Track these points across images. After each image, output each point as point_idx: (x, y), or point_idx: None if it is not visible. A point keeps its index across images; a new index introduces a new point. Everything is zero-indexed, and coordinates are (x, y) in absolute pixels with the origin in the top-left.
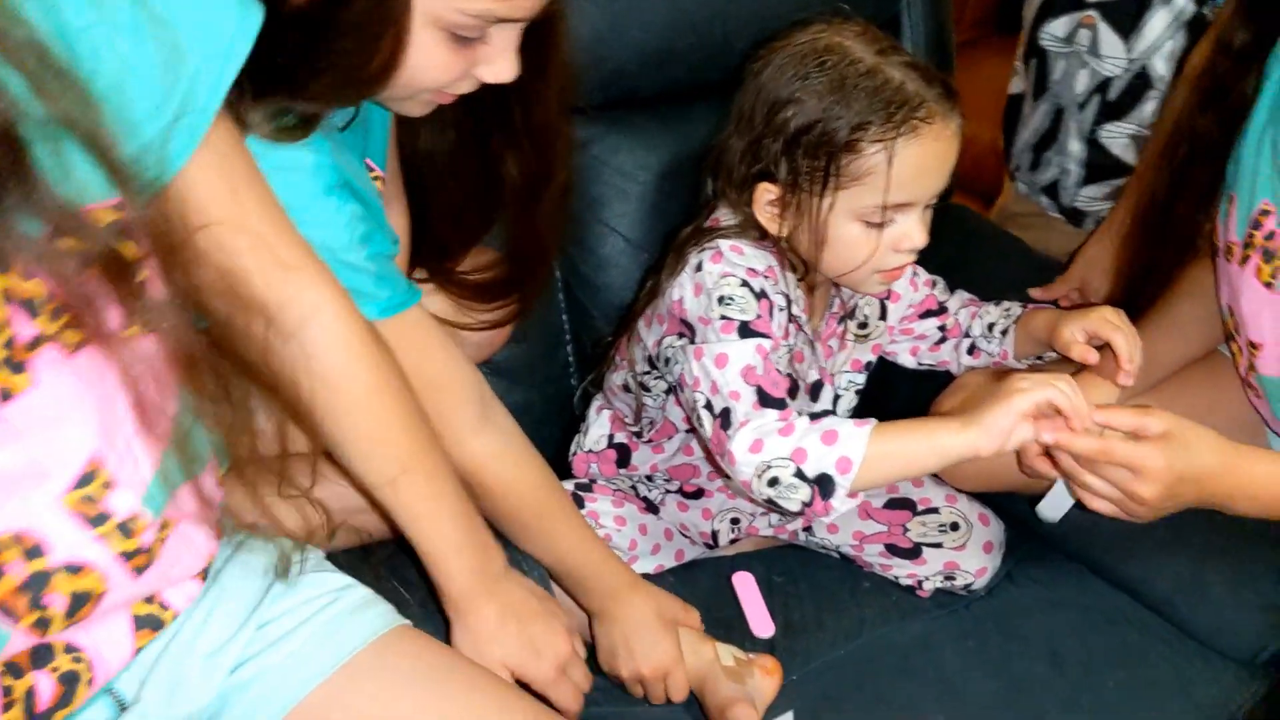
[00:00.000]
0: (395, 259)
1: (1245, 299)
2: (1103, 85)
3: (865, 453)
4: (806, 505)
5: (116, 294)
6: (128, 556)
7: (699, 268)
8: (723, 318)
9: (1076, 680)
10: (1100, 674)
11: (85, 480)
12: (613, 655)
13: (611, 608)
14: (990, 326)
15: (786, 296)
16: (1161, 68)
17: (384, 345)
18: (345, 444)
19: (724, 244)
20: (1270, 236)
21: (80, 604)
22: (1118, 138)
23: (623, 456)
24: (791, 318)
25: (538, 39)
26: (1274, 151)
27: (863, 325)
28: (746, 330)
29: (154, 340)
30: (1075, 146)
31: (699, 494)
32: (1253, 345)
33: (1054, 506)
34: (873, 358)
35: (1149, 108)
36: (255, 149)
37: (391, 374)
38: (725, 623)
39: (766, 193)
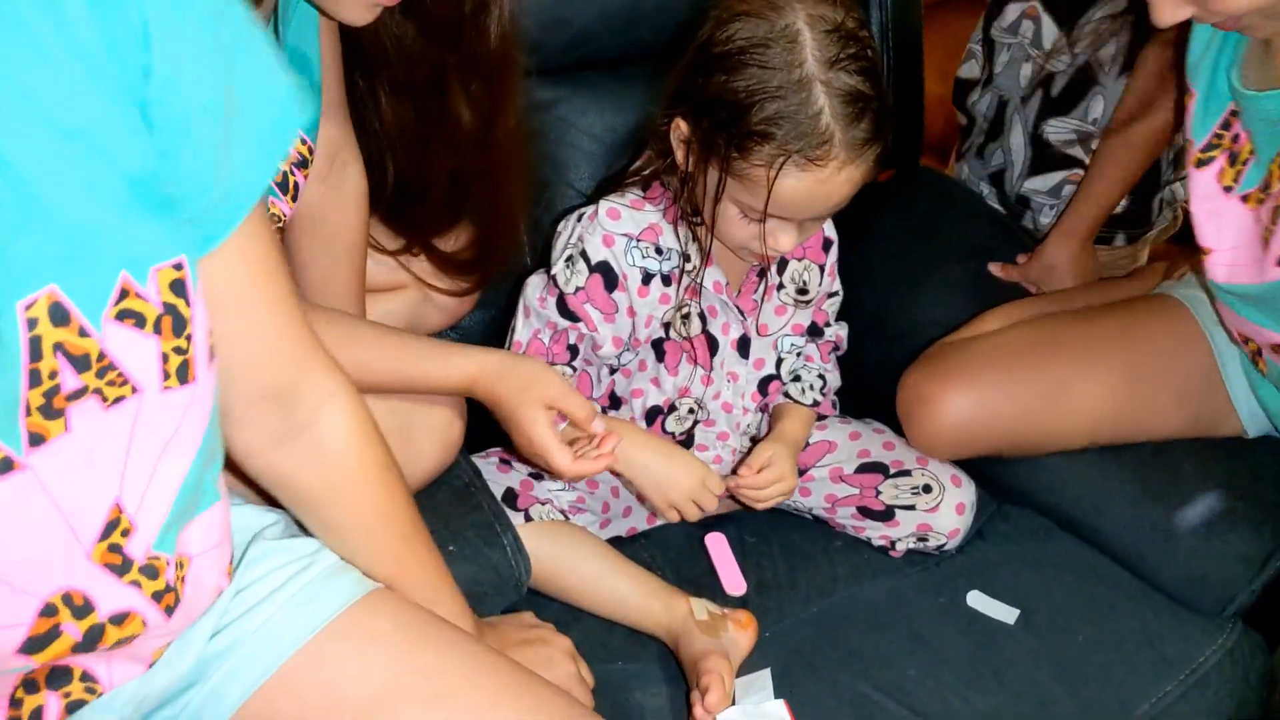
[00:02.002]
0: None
1: (1197, 201)
2: (1046, 80)
3: None
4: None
5: (165, 349)
6: (158, 597)
7: (580, 218)
8: (553, 278)
9: (1044, 635)
10: (1068, 628)
11: (109, 529)
12: None
13: None
14: (797, 377)
15: (679, 254)
16: (1106, 61)
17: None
18: (352, 524)
19: (604, 206)
20: (1237, 139)
21: (120, 644)
22: (1062, 133)
23: None
24: (686, 274)
25: None
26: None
27: (802, 290)
28: (560, 305)
29: (187, 390)
30: (1018, 139)
31: None
32: (1202, 250)
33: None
34: (815, 322)
35: (1095, 105)
36: None
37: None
38: (696, 582)
39: (679, 128)
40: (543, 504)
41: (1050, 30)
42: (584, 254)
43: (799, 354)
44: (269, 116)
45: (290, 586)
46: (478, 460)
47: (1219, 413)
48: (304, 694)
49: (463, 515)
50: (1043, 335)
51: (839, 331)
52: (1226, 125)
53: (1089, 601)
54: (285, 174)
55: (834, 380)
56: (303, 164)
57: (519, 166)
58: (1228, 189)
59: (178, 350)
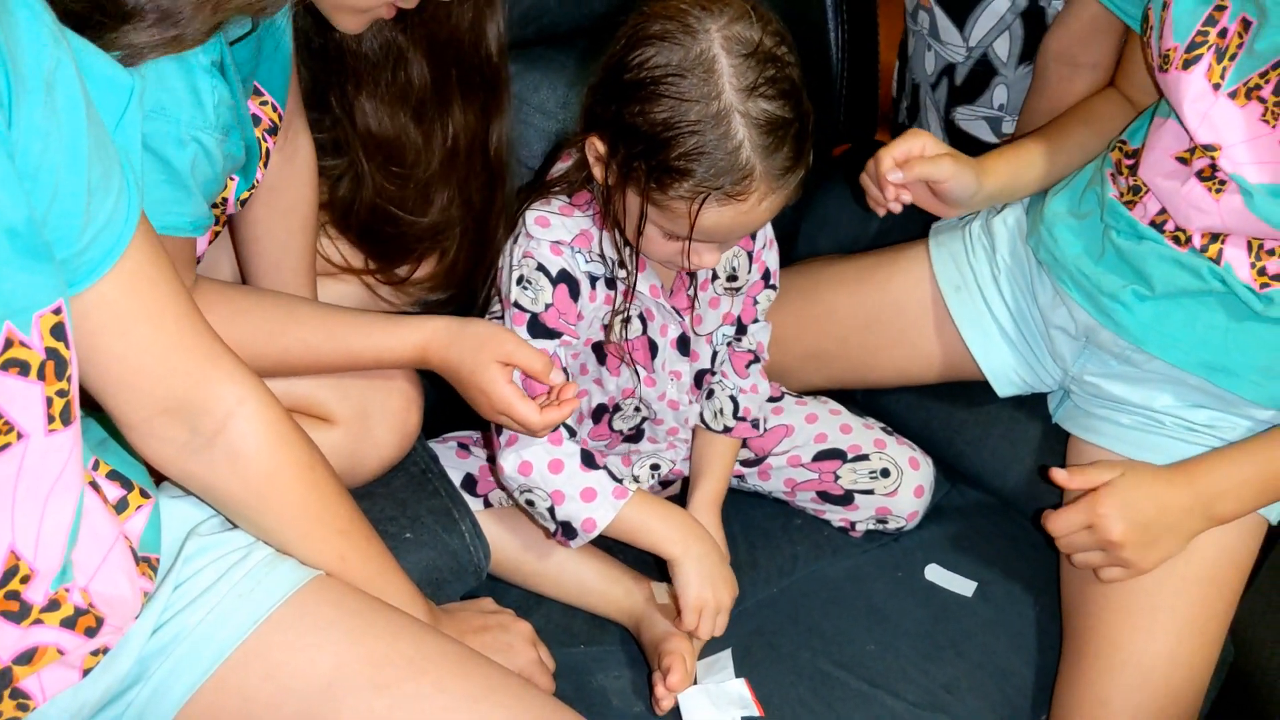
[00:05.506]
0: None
1: (1189, 104)
2: (948, 69)
3: (611, 520)
4: (549, 534)
5: (48, 394)
6: (69, 624)
7: (517, 238)
8: (516, 304)
9: (1001, 605)
10: (1024, 599)
11: (8, 576)
12: None
13: None
14: (711, 393)
15: (608, 260)
16: (1003, 53)
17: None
18: (284, 526)
19: (530, 216)
20: (1224, 34)
21: (39, 667)
22: (972, 120)
23: None
24: (620, 281)
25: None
26: None
27: (732, 277)
28: (535, 326)
29: (70, 430)
30: (934, 124)
31: None
32: (1209, 149)
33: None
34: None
35: (998, 93)
36: None
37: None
38: (657, 566)
39: (595, 146)
40: (503, 489)
41: (945, 23)
42: (541, 268)
43: (727, 343)
44: (130, 163)
45: (230, 577)
46: (435, 446)
47: (953, 355)
48: (249, 687)
49: (420, 501)
50: (809, 277)
51: (760, 338)
52: (1211, 21)
53: (1045, 573)
54: (259, 140)
55: (751, 400)
56: (274, 130)
57: (504, 186)
58: (1216, 85)
59: (60, 393)
